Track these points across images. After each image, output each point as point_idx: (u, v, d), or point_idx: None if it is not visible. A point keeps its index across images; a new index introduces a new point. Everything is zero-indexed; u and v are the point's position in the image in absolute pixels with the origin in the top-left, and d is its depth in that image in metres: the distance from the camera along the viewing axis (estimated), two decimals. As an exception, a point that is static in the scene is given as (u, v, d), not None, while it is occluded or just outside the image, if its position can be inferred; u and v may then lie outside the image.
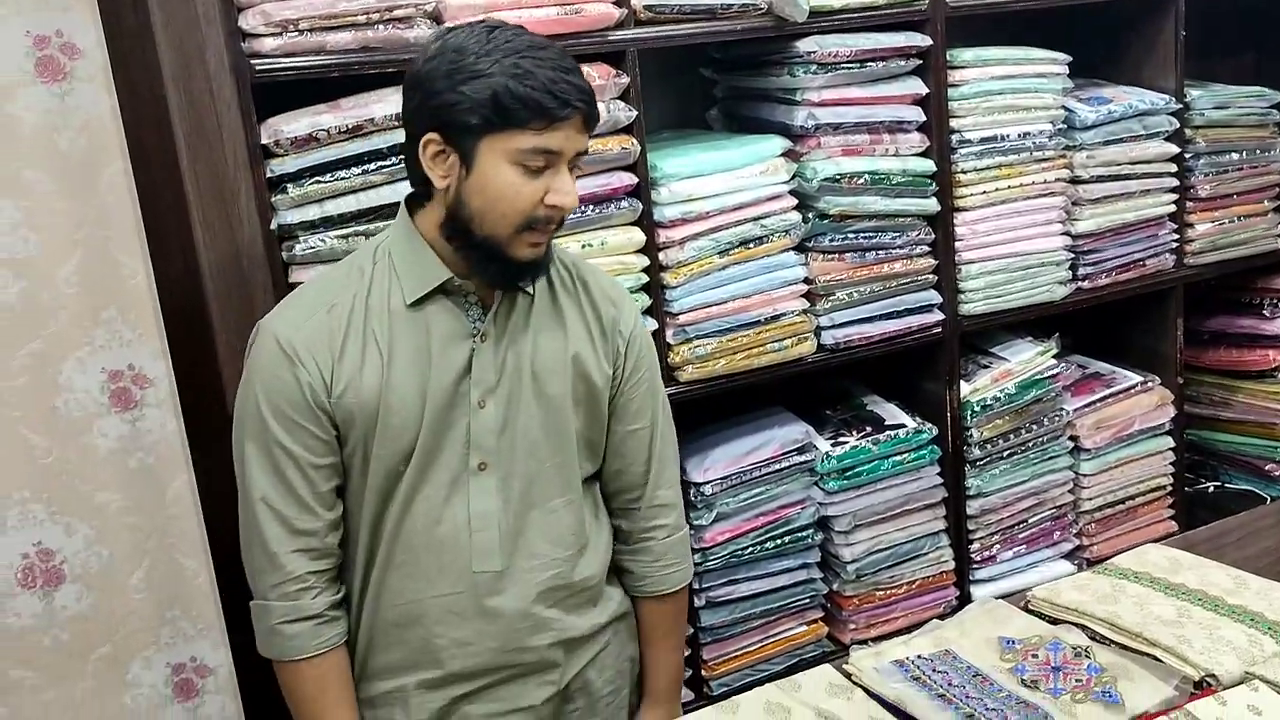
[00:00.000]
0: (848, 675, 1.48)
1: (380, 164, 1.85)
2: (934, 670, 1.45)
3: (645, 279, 2.07)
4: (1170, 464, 2.68)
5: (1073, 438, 2.56)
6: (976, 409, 2.41)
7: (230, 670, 2.25)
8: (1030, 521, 2.55)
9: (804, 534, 2.30)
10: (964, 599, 2.48)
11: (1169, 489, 2.70)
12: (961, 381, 2.42)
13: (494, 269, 1.42)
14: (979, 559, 2.51)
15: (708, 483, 2.19)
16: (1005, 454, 2.47)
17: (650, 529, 1.65)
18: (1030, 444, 2.49)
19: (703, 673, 2.29)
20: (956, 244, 2.35)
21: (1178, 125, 2.52)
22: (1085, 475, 2.58)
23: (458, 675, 1.49)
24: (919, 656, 1.49)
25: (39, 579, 2.13)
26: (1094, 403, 2.57)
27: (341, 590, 1.49)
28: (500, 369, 1.46)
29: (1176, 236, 2.60)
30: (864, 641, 2.32)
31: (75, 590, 2.15)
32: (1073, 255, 2.49)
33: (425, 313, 1.43)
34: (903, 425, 2.36)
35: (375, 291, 1.43)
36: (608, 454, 1.60)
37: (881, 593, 2.40)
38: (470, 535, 1.46)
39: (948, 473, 2.41)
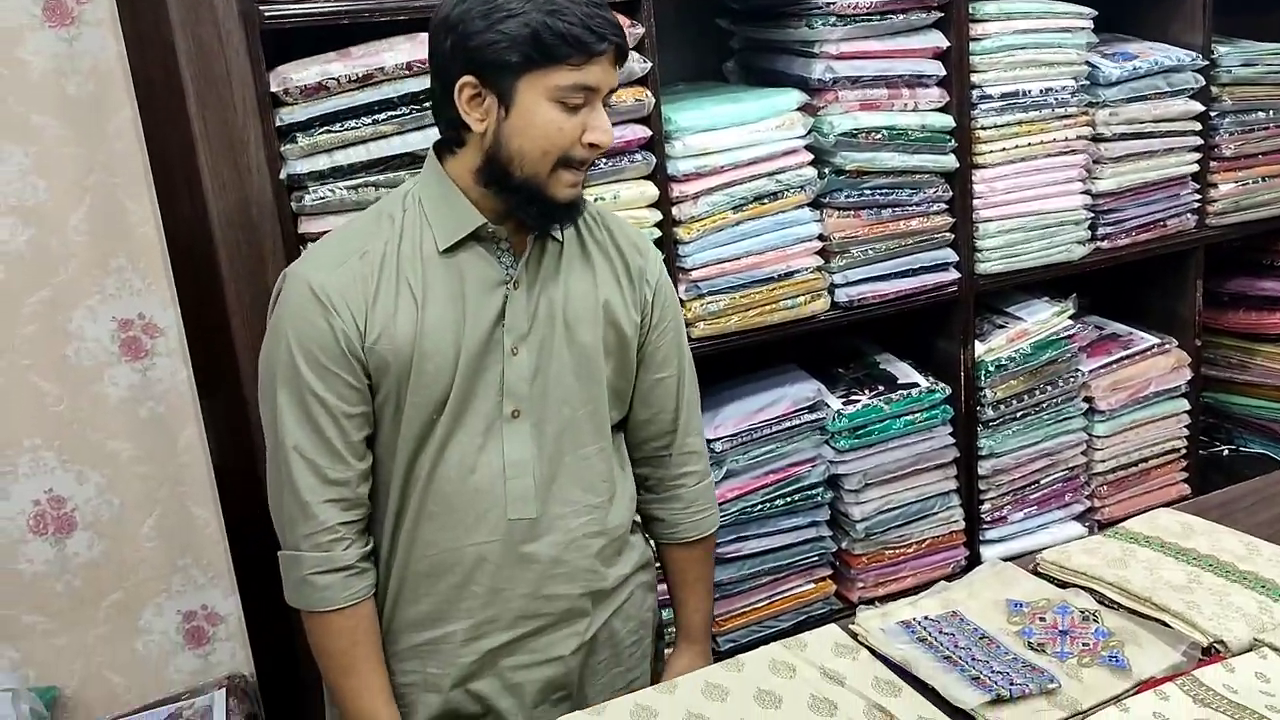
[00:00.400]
0: (854, 635, 1.48)
1: (391, 114, 1.83)
2: (940, 632, 1.45)
3: (658, 234, 2.05)
4: (1185, 427, 2.66)
5: (1087, 399, 2.53)
6: (991, 369, 2.39)
7: (240, 618, 2.27)
8: (1042, 483, 2.54)
9: (814, 492, 2.30)
10: (973, 559, 2.48)
11: (1183, 452, 2.68)
12: (976, 341, 2.39)
13: (534, 211, 1.41)
14: (990, 519, 2.50)
15: (718, 439, 2.18)
16: (1019, 414, 2.46)
17: (680, 476, 1.66)
18: (1044, 405, 2.48)
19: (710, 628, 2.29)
20: (974, 202, 2.32)
21: (1203, 82, 2.47)
22: (1099, 437, 2.56)
23: (489, 625, 1.49)
24: (926, 618, 1.49)
25: (50, 526, 2.14)
26: (1110, 364, 2.55)
27: (370, 542, 1.48)
28: (532, 316, 1.45)
29: (1199, 197, 2.56)
30: (871, 600, 2.33)
31: (87, 538, 2.17)
32: (1092, 215, 2.45)
33: (458, 259, 1.42)
34: (915, 384, 2.34)
35: (407, 238, 1.42)
36: (636, 403, 1.60)
37: (890, 551, 2.39)
38: (505, 483, 1.46)
39: (960, 433, 2.39)
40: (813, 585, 2.37)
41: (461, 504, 1.45)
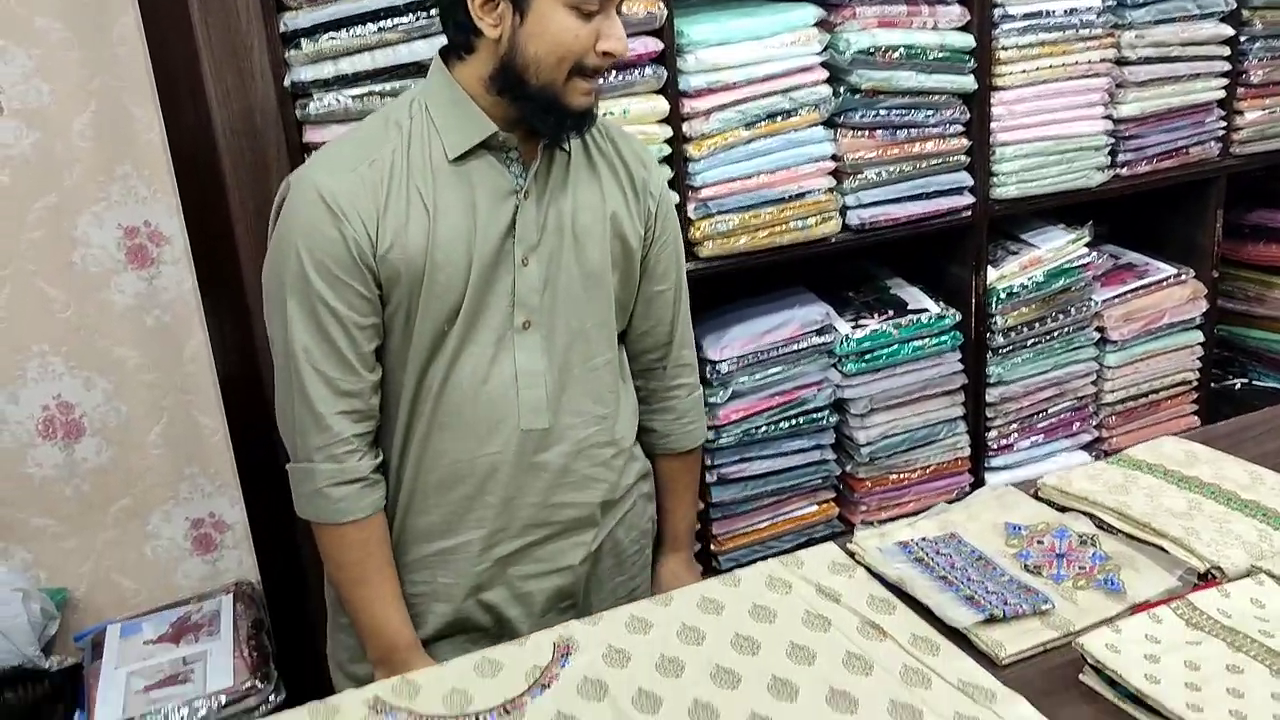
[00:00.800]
0: (851, 554, 1.48)
1: (396, 21, 1.80)
2: (937, 553, 1.45)
3: (668, 150, 2.02)
4: (1198, 359, 2.63)
5: (1099, 329, 2.51)
6: (1002, 296, 2.37)
7: (246, 526, 2.30)
8: (1050, 411, 2.53)
9: (819, 415, 2.29)
10: (978, 485, 2.47)
11: (1194, 384, 2.66)
12: (989, 267, 2.36)
13: (551, 120, 1.39)
14: (996, 447, 2.49)
15: (724, 360, 2.18)
16: (1029, 342, 2.43)
17: (674, 388, 1.68)
18: (1055, 333, 2.45)
19: (711, 547, 2.31)
20: (992, 124, 2.27)
21: (1235, 5, 2.40)
22: (1109, 367, 2.53)
23: (500, 534, 1.51)
24: (923, 539, 1.49)
25: (59, 431, 2.16)
26: (1124, 294, 2.52)
27: (380, 454, 1.49)
28: (542, 227, 1.45)
29: (1224, 124, 2.50)
30: (872, 523, 2.34)
31: (95, 443, 2.19)
32: (1113, 140, 2.40)
33: (468, 168, 1.41)
34: (925, 310, 2.32)
35: (415, 146, 1.40)
36: (636, 315, 1.61)
37: (895, 476, 2.39)
38: (518, 393, 1.46)
39: (969, 359, 2.37)
40: (816, 507, 2.38)
41: (474, 414, 1.46)
